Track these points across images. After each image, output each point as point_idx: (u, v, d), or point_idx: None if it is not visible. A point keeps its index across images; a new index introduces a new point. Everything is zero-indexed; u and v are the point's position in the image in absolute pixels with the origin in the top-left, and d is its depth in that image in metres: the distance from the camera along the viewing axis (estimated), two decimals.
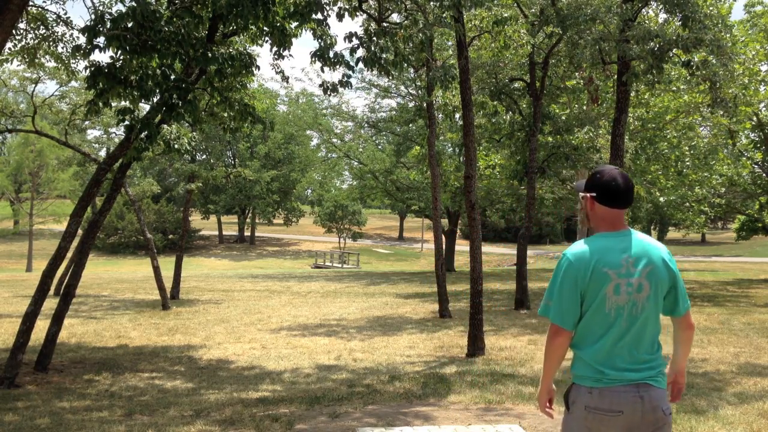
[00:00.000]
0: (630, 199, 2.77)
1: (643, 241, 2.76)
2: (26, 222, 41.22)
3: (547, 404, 2.86)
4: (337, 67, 8.29)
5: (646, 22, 14.39)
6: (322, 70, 46.68)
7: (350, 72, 8.62)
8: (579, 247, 2.75)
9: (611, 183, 2.75)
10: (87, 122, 23.18)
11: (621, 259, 2.69)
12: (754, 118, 22.17)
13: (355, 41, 8.37)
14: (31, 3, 10.21)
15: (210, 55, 7.66)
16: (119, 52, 7.34)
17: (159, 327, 13.11)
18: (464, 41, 9.60)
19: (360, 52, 8.44)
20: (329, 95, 9.21)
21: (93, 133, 52.53)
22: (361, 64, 8.37)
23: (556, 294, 2.73)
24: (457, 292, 19.01)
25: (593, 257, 2.68)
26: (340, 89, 8.92)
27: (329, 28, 8.35)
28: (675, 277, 2.77)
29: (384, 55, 8.38)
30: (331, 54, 8.26)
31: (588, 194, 2.83)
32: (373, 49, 8.29)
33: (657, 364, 2.71)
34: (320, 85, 8.92)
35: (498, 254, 52.26)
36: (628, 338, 2.66)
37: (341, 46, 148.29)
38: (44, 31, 11.38)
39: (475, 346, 9.23)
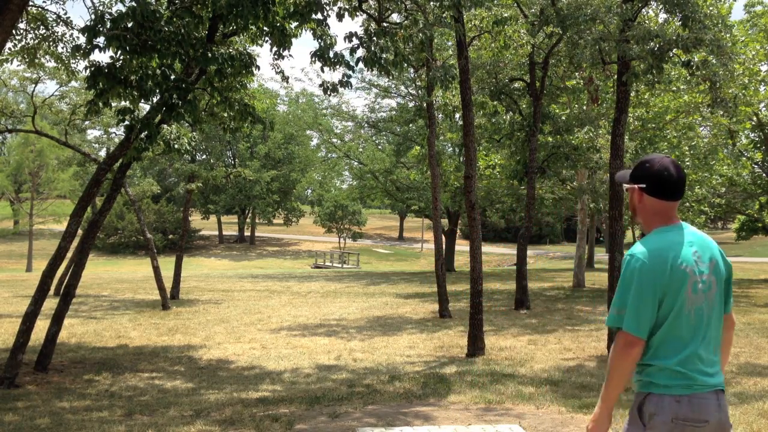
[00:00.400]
0: (683, 189, 2.49)
1: (699, 234, 2.51)
2: (26, 222, 41.19)
3: None
4: (337, 67, 8.30)
5: (646, 22, 14.37)
6: (322, 70, 46.61)
7: (350, 72, 8.63)
8: (648, 245, 2.43)
9: (663, 173, 2.44)
10: (87, 122, 23.18)
11: (691, 254, 2.42)
12: (754, 118, 22.16)
13: (355, 41, 8.38)
14: (31, 3, 10.21)
15: (210, 55, 7.67)
16: (119, 52, 7.35)
17: (159, 327, 13.11)
18: (464, 41, 9.61)
19: (360, 52, 8.45)
20: (329, 95, 9.22)
21: (93, 133, 52.52)
22: (361, 64, 8.38)
23: (632, 299, 2.38)
24: (457, 292, 19.00)
25: (669, 253, 2.39)
26: (340, 89, 8.92)
27: (329, 28, 8.36)
28: (731, 271, 2.55)
29: (384, 55, 8.38)
30: (331, 54, 8.27)
31: (636, 185, 2.53)
32: (373, 49, 8.29)
33: (720, 369, 2.50)
34: (320, 85, 8.92)
35: (498, 254, 52.21)
36: (706, 340, 2.42)
37: (341, 46, 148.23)
38: (44, 31, 11.38)
39: (475, 346, 9.23)
